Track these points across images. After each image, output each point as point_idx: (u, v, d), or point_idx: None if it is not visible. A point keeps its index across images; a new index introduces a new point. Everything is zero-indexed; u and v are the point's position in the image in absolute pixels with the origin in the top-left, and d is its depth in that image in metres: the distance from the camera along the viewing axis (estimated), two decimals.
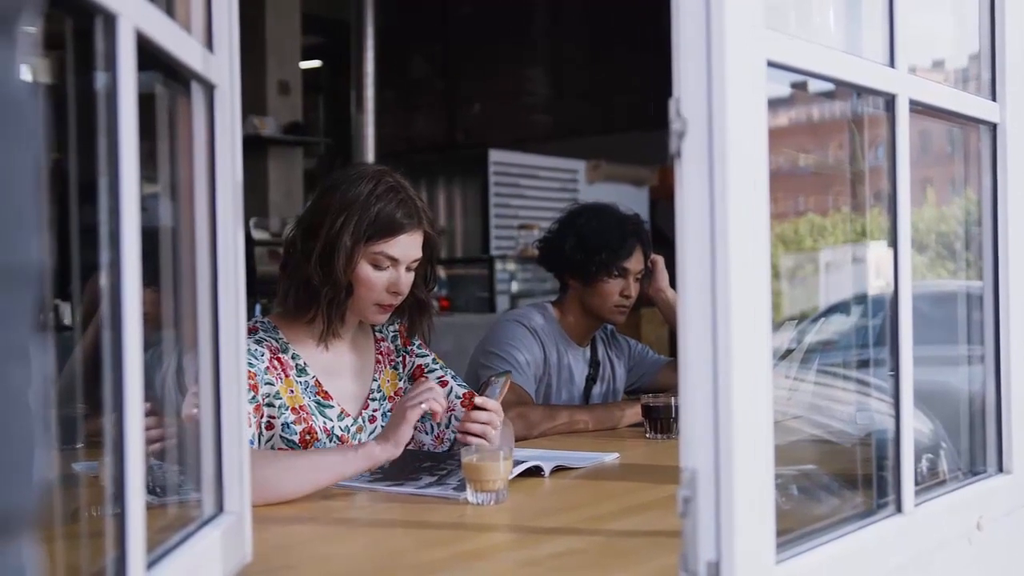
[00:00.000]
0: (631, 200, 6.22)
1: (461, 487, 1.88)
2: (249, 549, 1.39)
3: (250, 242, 5.96)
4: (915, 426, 1.52)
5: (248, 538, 1.39)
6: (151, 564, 1.06)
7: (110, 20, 0.97)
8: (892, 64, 1.48)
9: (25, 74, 0.54)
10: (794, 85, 1.41)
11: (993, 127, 1.76)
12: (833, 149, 2.03)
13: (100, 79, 0.99)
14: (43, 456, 0.53)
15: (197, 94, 1.31)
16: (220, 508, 1.34)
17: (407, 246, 2.18)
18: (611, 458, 2.31)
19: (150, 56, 1.08)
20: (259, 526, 1.45)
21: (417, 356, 2.40)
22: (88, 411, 1.26)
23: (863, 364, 1.88)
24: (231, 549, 1.33)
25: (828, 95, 1.65)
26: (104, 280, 0.98)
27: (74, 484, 1.38)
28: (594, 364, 3.10)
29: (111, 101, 0.98)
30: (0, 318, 0.49)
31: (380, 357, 2.36)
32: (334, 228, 2.13)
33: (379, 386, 2.33)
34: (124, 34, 0.99)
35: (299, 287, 2.18)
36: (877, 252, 1.84)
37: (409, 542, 1.64)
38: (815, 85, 1.48)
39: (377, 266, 2.16)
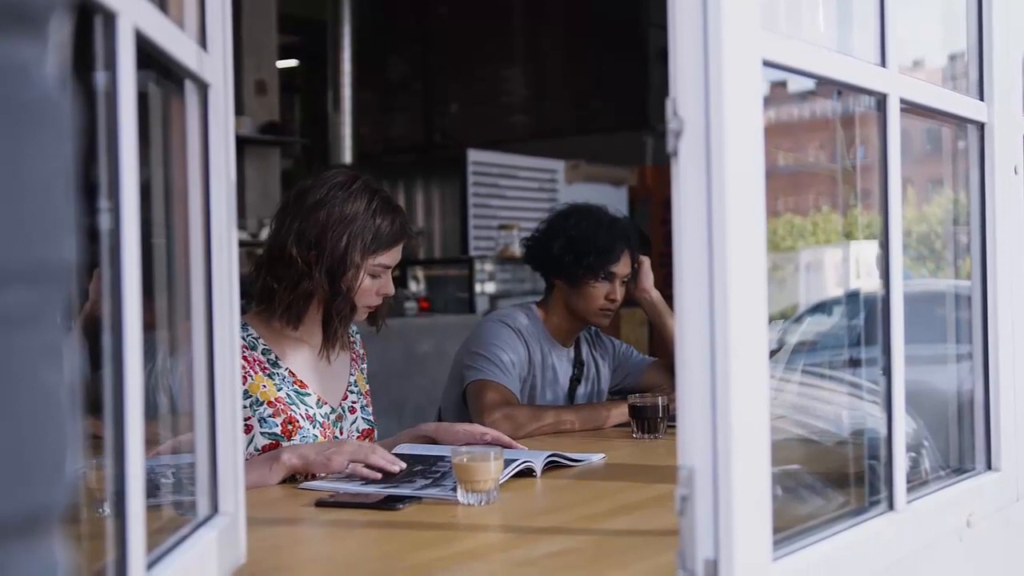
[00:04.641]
0: (610, 200, 6.23)
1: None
2: (244, 550, 1.39)
3: None
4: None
5: (243, 539, 1.39)
6: (150, 565, 1.05)
7: (110, 18, 0.96)
8: (883, 63, 1.48)
9: (57, 72, 0.54)
10: (773, 83, 1.40)
11: (981, 126, 1.77)
12: (812, 149, 2.04)
13: (99, 77, 0.98)
14: (75, 454, 0.53)
15: (191, 93, 1.30)
16: (215, 509, 1.33)
17: (399, 253, 2.28)
18: (598, 459, 2.31)
19: (145, 55, 1.07)
20: (253, 527, 1.44)
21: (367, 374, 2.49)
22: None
23: (848, 363, 1.89)
24: (226, 550, 1.32)
25: (808, 94, 1.65)
26: (104, 279, 0.97)
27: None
28: (578, 364, 3.10)
29: (111, 99, 0.97)
30: (34, 317, 0.49)
31: (354, 355, 2.42)
32: (340, 245, 2.18)
33: (355, 380, 2.38)
34: (124, 32, 0.98)
35: (299, 299, 2.20)
36: (858, 251, 1.85)
37: (402, 543, 1.64)
38: (794, 84, 1.48)
39: (374, 275, 2.24)
